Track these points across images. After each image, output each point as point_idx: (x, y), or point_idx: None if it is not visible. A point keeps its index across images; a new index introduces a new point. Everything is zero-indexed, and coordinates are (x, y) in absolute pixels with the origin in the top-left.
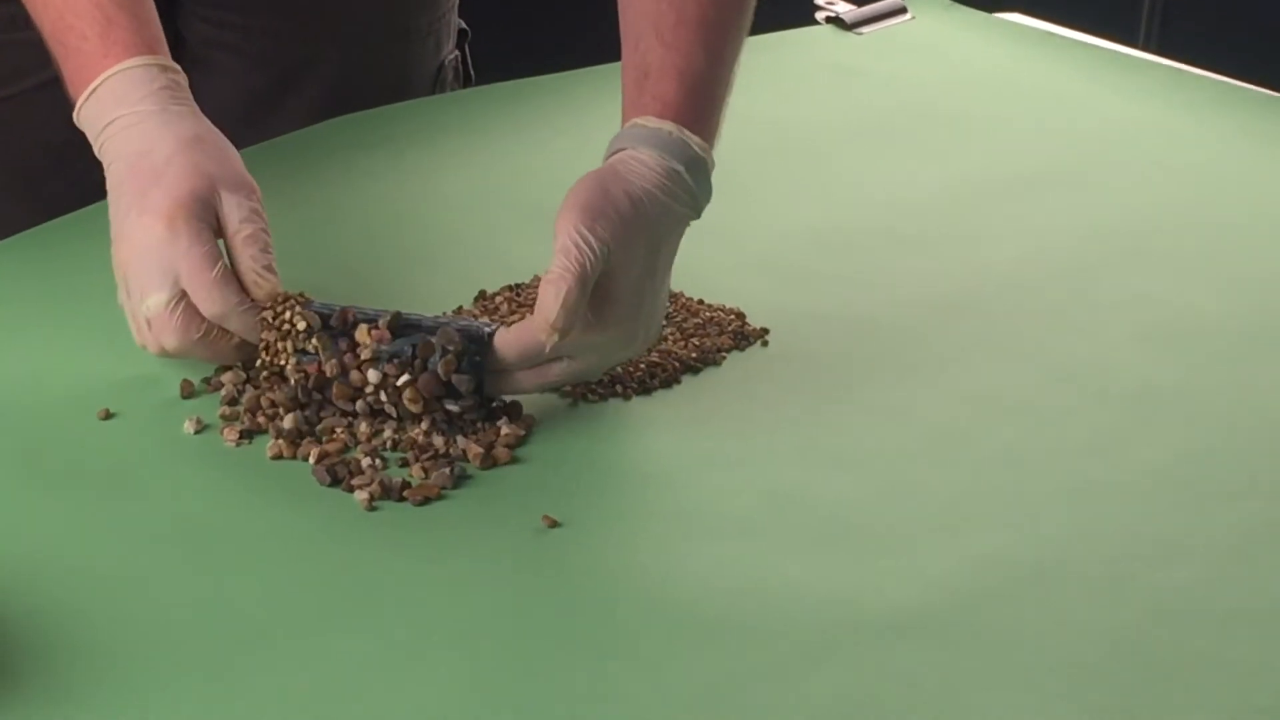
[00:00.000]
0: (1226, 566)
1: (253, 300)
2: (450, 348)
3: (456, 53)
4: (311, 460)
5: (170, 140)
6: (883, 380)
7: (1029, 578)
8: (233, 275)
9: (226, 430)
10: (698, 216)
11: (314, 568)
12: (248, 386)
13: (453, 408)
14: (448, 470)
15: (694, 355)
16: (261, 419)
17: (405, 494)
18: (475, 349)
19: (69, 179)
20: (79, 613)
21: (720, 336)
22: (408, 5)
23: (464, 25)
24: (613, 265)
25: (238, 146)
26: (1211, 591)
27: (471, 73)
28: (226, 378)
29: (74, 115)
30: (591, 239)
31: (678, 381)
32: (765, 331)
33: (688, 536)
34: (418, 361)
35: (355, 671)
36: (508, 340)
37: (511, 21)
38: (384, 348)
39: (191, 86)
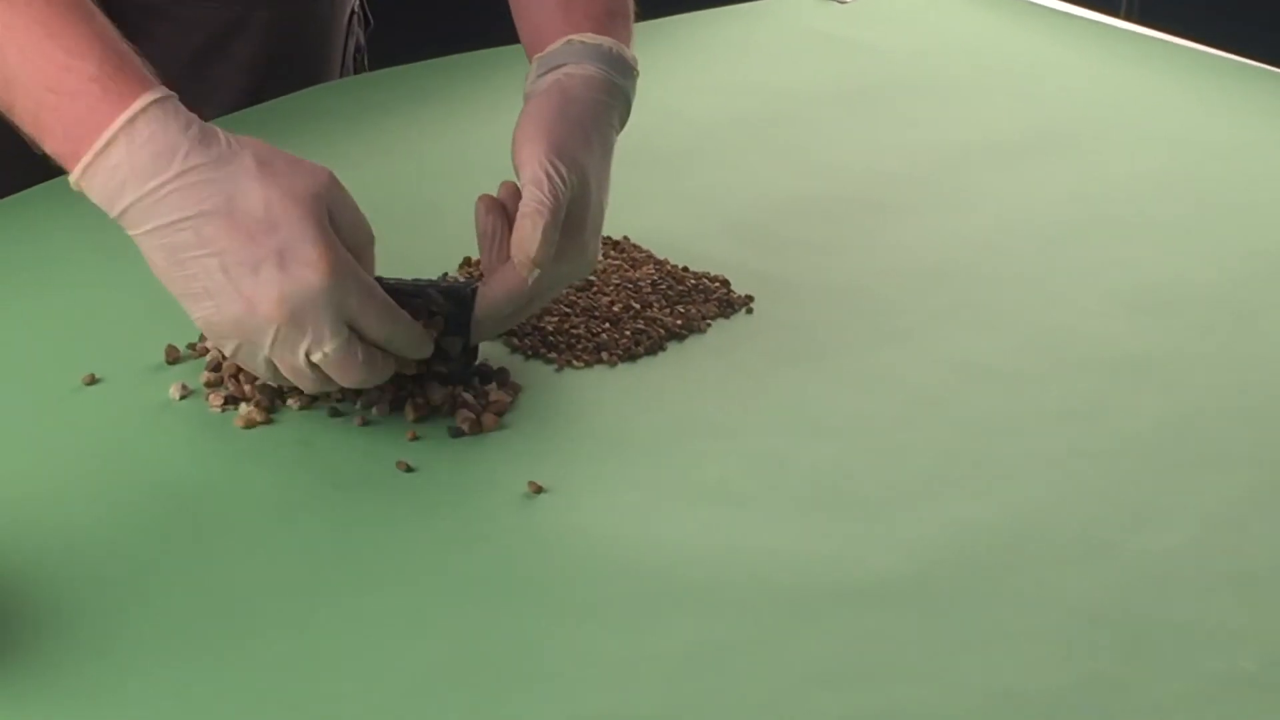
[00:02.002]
0: (1208, 533)
1: None
2: (435, 310)
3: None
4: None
5: (247, 178)
6: (866, 347)
7: (1010, 543)
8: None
9: (211, 396)
10: (622, 128)
11: (299, 533)
12: None
13: (441, 369)
14: (443, 394)
15: (679, 323)
16: (247, 387)
17: (407, 407)
18: (460, 310)
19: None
20: (63, 579)
21: (705, 304)
22: None
23: None
24: (581, 191)
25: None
26: (1193, 557)
27: (370, 17)
28: (211, 343)
29: (75, 174)
30: (562, 168)
31: (663, 349)
32: (750, 299)
33: (672, 502)
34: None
35: (341, 635)
36: (492, 290)
37: None
38: None
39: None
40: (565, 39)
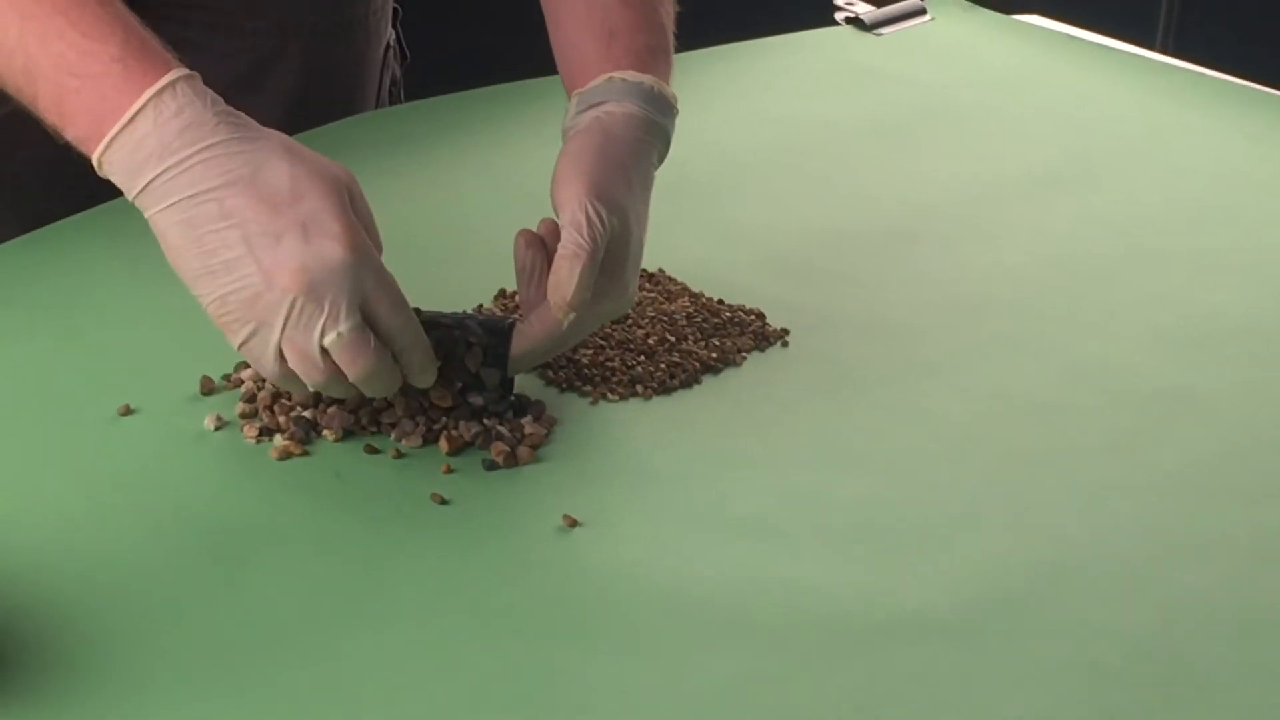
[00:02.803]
0: (1246, 569)
1: None
2: (473, 341)
3: (393, 32)
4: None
5: (274, 155)
6: (902, 381)
7: (1047, 578)
8: None
9: (246, 427)
10: (661, 163)
11: (333, 565)
12: (265, 383)
13: (477, 400)
14: (477, 427)
15: (714, 355)
16: (282, 418)
17: (440, 439)
18: (498, 342)
19: (61, 193)
20: (96, 607)
21: (740, 337)
22: None
23: (396, 5)
24: (621, 232)
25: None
26: (1231, 594)
27: (406, 51)
28: (247, 374)
29: (98, 150)
30: (602, 210)
31: (698, 382)
32: (785, 332)
33: (707, 535)
34: (440, 355)
35: (374, 669)
36: (530, 329)
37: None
38: None
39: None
40: (606, 76)
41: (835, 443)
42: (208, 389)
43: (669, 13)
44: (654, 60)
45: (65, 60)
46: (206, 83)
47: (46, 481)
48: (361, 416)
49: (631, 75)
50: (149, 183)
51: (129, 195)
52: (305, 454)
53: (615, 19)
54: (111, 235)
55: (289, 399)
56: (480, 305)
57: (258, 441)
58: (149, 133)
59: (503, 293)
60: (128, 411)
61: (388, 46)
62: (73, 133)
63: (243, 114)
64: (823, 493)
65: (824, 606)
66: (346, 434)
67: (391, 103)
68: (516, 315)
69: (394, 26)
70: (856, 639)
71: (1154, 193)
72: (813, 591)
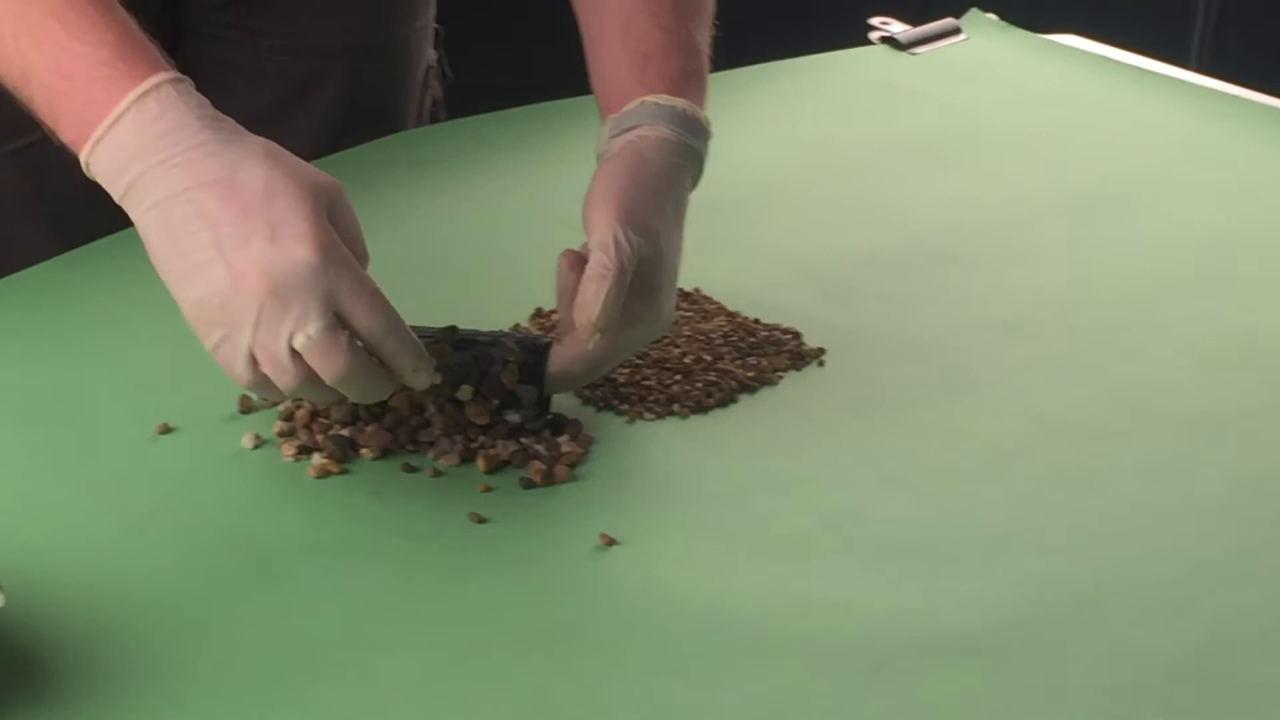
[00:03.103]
0: None
1: None
2: (511, 359)
3: (434, 53)
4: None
5: (253, 159)
6: (939, 401)
7: (1087, 600)
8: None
9: (284, 445)
10: (695, 187)
11: (371, 584)
12: (304, 402)
13: (514, 418)
14: (515, 446)
15: (750, 375)
16: (320, 437)
17: (477, 457)
18: (535, 360)
19: (102, 212)
20: (136, 627)
21: (777, 356)
22: (403, 14)
23: (437, 26)
24: (652, 255)
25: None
26: (1271, 615)
27: (448, 71)
28: None
29: (85, 151)
30: (632, 234)
31: (734, 401)
32: (821, 351)
33: (744, 556)
34: (477, 372)
35: (412, 688)
36: (565, 350)
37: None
38: (443, 362)
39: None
40: (639, 100)
41: (871, 462)
42: (246, 408)
43: (705, 36)
44: (688, 84)
45: (57, 63)
46: (248, 104)
47: (86, 499)
48: (399, 435)
49: (665, 99)
50: (131, 184)
51: (115, 197)
52: (343, 472)
53: (650, 43)
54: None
55: (327, 417)
56: (517, 325)
57: (296, 460)
58: (132, 136)
59: (539, 312)
60: (166, 430)
61: (429, 67)
62: (64, 135)
63: (228, 118)
64: (859, 512)
65: (861, 627)
66: (384, 452)
67: (432, 123)
68: (553, 335)
69: (436, 47)
70: (894, 660)
71: (1190, 213)
72: (849, 612)
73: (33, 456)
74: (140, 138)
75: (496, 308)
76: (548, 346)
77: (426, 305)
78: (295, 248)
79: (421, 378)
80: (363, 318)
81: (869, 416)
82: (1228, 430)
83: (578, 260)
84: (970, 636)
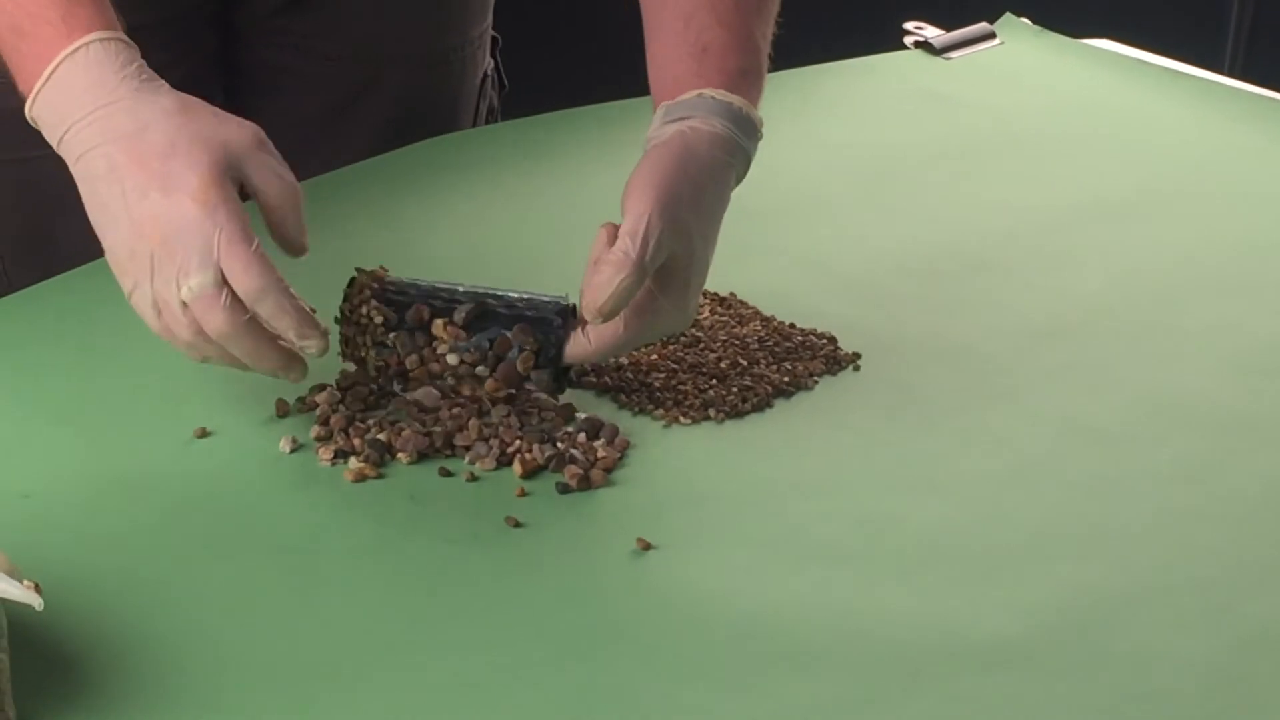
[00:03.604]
0: None
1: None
2: (526, 346)
3: (491, 61)
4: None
5: (164, 115)
6: (974, 406)
7: (1121, 606)
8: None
9: (321, 449)
10: (738, 184)
11: (407, 587)
12: (341, 406)
13: (531, 387)
14: (551, 450)
15: (786, 379)
16: (357, 441)
17: (514, 462)
18: (553, 341)
19: None
20: (174, 629)
21: (812, 361)
22: (458, 22)
23: (495, 34)
24: (682, 251)
25: (303, 169)
26: None
27: (505, 80)
28: (321, 397)
29: (28, 105)
30: (663, 226)
31: (770, 405)
32: (857, 356)
33: (780, 561)
34: (492, 355)
35: (448, 692)
36: (583, 344)
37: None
38: (460, 344)
39: (254, 114)
40: (696, 92)
41: (907, 468)
42: (283, 412)
43: (766, 33)
44: (745, 82)
45: (13, 20)
46: (302, 109)
47: (124, 502)
48: (436, 439)
49: (721, 94)
50: (61, 138)
51: (55, 149)
52: (379, 476)
53: (710, 36)
54: None
55: (364, 422)
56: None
57: (332, 464)
58: (62, 90)
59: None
60: (204, 434)
61: (485, 75)
62: (21, 88)
63: (153, 74)
64: (895, 518)
65: (897, 633)
66: (420, 457)
67: None
68: (567, 304)
69: (493, 55)
70: (930, 666)
71: (1225, 219)
72: (885, 618)
73: (73, 459)
74: (68, 93)
75: None
76: (565, 320)
77: None
78: (181, 200)
79: (311, 346)
80: (238, 274)
81: (904, 422)
82: (1261, 435)
83: (615, 235)
84: (1006, 643)
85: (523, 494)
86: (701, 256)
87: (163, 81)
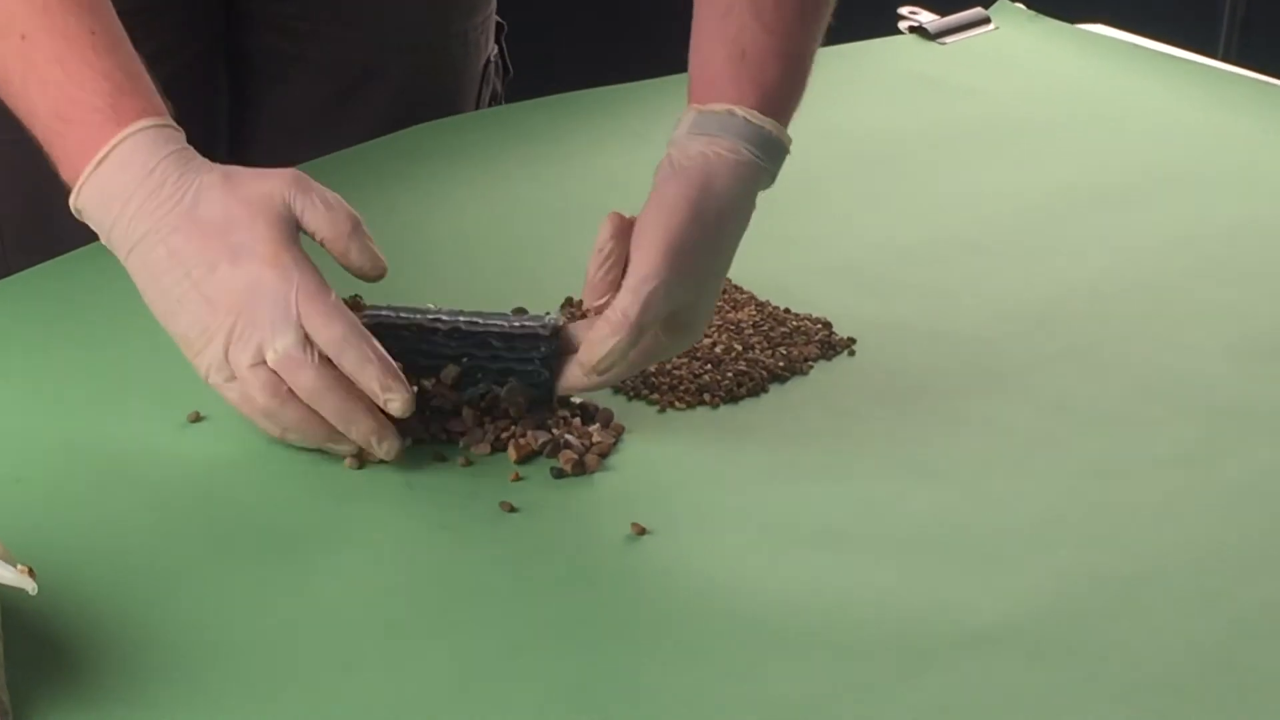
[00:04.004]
0: None
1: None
2: (514, 412)
3: (495, 47)
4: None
5: (210, 190)
6: (969, 391)
7: (1120, 591)
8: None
9: None
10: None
11: (402, 573)
12: None
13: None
14: (546, 436)
15: (781, 364)
16: None
17: (509, 447)
18: (542, 381)
19: None
20: (168, 613)
21: (807, 346)
22: (462, 8)
23: (499, 19)
24: (693, 300)
25: (306, 156)
26: None
27: (509, 66)
28: None
29: (73, 196)
30: (669, 291)
31: (765, 390)
32: (852, 341)
33: (776, 546)
34: (484, 403)
35: (442, 677)
36: (577, 378)
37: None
38: (449, 399)
39: (258, 100)
40: (728, 109)
41: (903, 453)
42: None
43: (810, 34)
44: (780, 96)
45: (56, 107)
46: (307, 95)
47: (117, 486)
48: (431, 425)
49: (755, 116)
50: (109, 229)
51: (104, 241)
52: (376, 462)
53: (748, 38)
54: None
55: None
56: (548, 313)
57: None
58: (108, 181)
59: (570, 301)
60: (198, 418)
61: (488, 61)
62: (63, 175)
63: (192, 150)
64: (891, 503)
65: (894, 619)
66: (416, 442)
67: None
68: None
69: (498, 41)
70: (928, 652)
71: (1221, 204)
72: (882, 604)
73: (65, 443)
74: (114, 183)
75: (527, 295)
76: (552, 353)
77: (458, 291)
78: (253, 266)
79: (394, 401)
80: (319, 327)
81: (900, 407)
82: (1259, 420)
83: (622, 229)
84: (1003, 628)
85: (518, 479)
86: (710, 295)
87: (202, 158)
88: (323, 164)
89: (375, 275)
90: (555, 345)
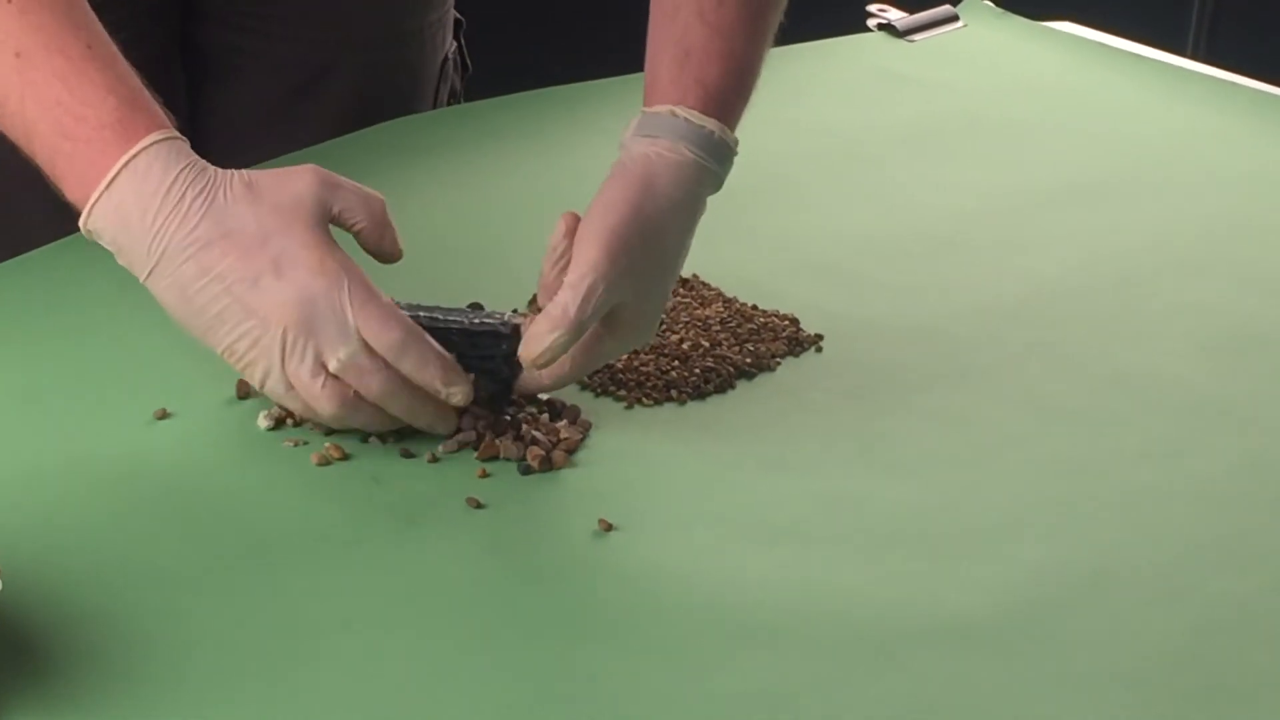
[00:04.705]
0: None
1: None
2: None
3: (454, 43)
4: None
5: (237, 203)
6: (936, 387)
7: (1086, 585)
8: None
9: (262, 415)
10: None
11: (369, 568)
12: None
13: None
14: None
15: (748, 361)
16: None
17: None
18: (501, 378)
19: None
20: (134, 612)
21: (774, 342)
22: (419, 4)
23: (458, 16)
24: (632, 299)
25: (262, 155)
26: (1270, 602)
27: (468, 62)
28: None
29: (83, 217)
30: (608, 278)
31: (732, 387)
32: (819, 338)
33: (743, 541)
34: None
35: (409, 671)
36: (534, 379)
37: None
38: None
39: (213, 96)
40: (670, 109)
41: (870, 449)
42: (244, 393)
43: (757, 34)
44: (724, 96)
45: (60, 124)
46: (261, 92)
47: (84, 483)
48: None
49: (696, 116)
50: (130, 249)
51: (117, 258)
52: (344, 458)
53: (692, 38)
54: None
55: None
56: (515, 310)
57: (295, 445)
58: (124, 199)
59: (535, 300)
60: (165, 415)
61: (447, 58)
62: (67, 194)
63: (204, 161)
64: (858, 499)
65: (860, 613)
66: (381, 437)
67: None
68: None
69: (457, 37)
70: (894, 646)
71: (1189, 201)
72: (848, 598)
73: (31, 439)
74: (130, 201)
75: (492, 293)
76: (512, 349)
77: (423, 288)
78: (301, 276)
79: (456, 395)
80: (377, 332)
81: (867, 402)
82: (1227, 416)
83: (575, 227)
84: (972, 622)
85: (484, 475)
86: (655, 298)
87: (216, 168)
88: (287, 161)
89: (399, 258)
90: (516, 343)
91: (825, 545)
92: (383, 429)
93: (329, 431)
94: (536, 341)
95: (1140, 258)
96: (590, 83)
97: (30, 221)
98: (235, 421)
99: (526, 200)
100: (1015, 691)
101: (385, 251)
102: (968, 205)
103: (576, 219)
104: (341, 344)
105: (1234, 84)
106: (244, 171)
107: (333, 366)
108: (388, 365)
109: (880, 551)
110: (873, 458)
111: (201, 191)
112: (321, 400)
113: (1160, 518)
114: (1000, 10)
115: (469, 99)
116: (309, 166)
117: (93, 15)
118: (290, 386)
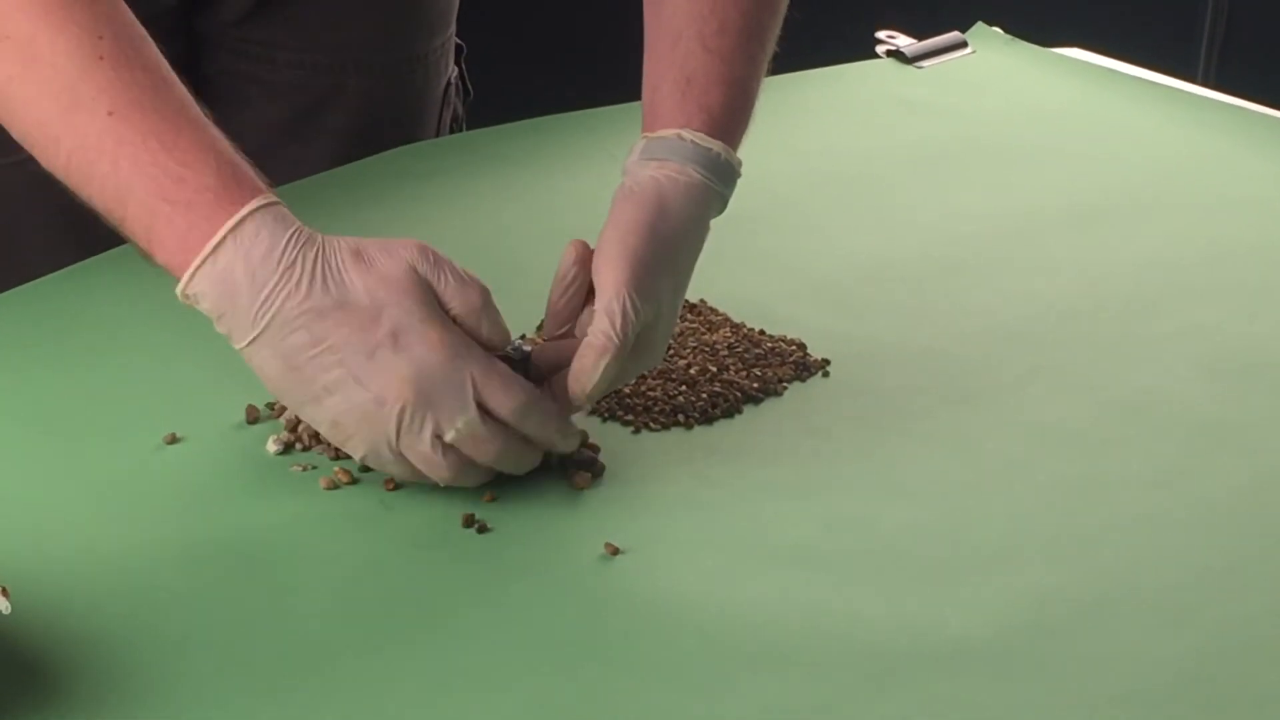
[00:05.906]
0: None
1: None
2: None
3: (455, 69)
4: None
5: (346, 272)
6: (943, 411)
7: (1091, 609)
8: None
9: (271, 440)
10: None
11: (377, 592)
12: None
13: None
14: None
15: (755, 385)
16: (323, 445)
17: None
18: None
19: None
20: (144, 637)
21: (781, 367)
22: (422, 31)
23: (459, 42)
24: (654, 320)
25: (267, 179)
26: (1274, 624)
27: (469, 88)
28: None
29: (183, 283)
30: (639, 302)
31: (739, 411)
32: (826, 362)
33: (749, 565)
34: None
35: (417, 696)
36: (550, 407)
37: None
38: None
39: (217, 122)
40: (676, 133)
41: (876, 472)
42: (253, 418)
43: (756, 56)
44: (727, 117)
45: (158, 186)
46: (265, 118)
47: (93, 508)
48: None
49: (702, 139)
50: (235, 314)
51: (215, 323)
52: (352, 482)
53: (694, 65)
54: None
55: None
56: (524, 335)
57: (304, 469)
58: (231, 264)
59: (543, 325)
60: (174, 440)
61: (449, 83)
62: (162, 257)
63: (309, 229)
64: (864, 522)
65: (866, 636)
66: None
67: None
68: (536, 341)
69: (458, 63)
70: (899, 669)
71: (1196, 226)
72: (855, 621)
73: (41, 465)
74: (237, 268)
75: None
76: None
77: None
78: (421, 350)
79: (572, 441)
80: (500, 401)
81: (874, 427)
82: (1230, 439)
83: (584, 255)
84: (975, 645)
85: (491, 499)
86: (669, 317)
87: (322, 235)
88: (290, 189)
89: (502, 346)
90: (528, 368)
91: (830, 568)
92: (480, 482)
93: (337, 456)
94: (587, 375)
95: (1146, 282)
96: (591, 110)
97: (30, 251)
98: (244, 446)
99: (530, 227)
100: (1018, 715)
101: (483, 339)
102: (975, 229)
103: (584, 246)
104: (460, 415)
105: (1242, 109)
106: (349, 239)
107: (449, 437)
108: (504, 429)
109: (885, 574)
110: (877, 481)
111: (311, 260)
112: (441, 469)
113: (1164, 542)
114: (1009, 37)
115: (471, 124)
116: (413, 241)
117: (174, 75)
118: (399, 456)
